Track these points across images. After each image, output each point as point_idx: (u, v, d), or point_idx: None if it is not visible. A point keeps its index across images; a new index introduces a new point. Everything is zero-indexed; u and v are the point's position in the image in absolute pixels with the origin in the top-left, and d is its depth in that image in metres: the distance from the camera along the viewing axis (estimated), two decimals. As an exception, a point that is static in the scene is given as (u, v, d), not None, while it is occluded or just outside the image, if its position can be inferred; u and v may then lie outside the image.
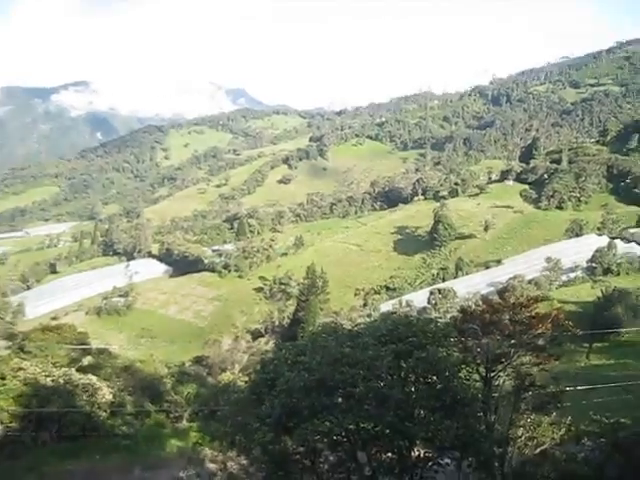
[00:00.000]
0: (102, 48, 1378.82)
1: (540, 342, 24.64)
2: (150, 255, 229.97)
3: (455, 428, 20.83)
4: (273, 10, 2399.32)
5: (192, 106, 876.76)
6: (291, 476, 21.93)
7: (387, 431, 20.87)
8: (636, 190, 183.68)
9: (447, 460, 22.30)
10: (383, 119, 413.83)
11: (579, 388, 43.91)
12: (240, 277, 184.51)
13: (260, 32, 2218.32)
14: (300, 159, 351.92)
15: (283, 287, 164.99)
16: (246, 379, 49.30)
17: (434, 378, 21.82)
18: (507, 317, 24.75)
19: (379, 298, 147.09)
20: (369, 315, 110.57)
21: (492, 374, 24.00)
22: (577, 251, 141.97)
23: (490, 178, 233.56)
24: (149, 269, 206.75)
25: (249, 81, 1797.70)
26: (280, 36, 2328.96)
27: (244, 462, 25.20)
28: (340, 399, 20.92)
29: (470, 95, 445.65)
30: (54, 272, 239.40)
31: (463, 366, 22.86)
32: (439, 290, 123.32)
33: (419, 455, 22.01)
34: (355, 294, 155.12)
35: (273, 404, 20.76)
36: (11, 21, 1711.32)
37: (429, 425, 20.90)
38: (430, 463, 21.82)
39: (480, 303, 27.93)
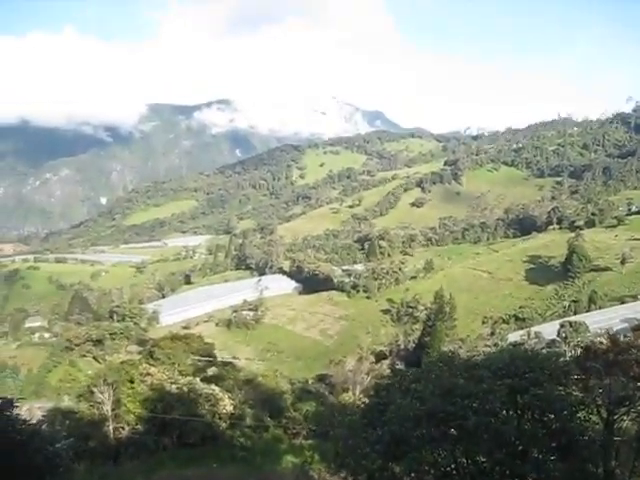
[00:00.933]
0: (244, 68, 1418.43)
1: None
2: (281, 271, 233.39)
3: (570, 471, 20.07)
4: (410, 35, 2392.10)
5: (329, 127, 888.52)
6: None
7: (497, 468, 20.37)
8: None
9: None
10: (520, 145, 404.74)
11: None
12: (368, 298, 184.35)
13: (398, 57, 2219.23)
14: (434, 183, 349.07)
15: (410, 310, 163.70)
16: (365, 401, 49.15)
17: (550, 417, 21.05)
18: (633, 357, 23.63)
19: (507, 328, 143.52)
20: (496, 345, 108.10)
21: (614, 417, 22.92)
22: None
23: (630, 209, 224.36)
24: (279, 285, 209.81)
25: (386, 104, 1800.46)
26: (418, 60, 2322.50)
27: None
28: (451, 431, 20.52)
29: (612, 122, 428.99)
30: (188, 283, 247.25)
31: (582, 407, 21.91)
32: (570, 323, 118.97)
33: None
34: (483, 322, 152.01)
35: (383, 430, 20.61)
36: (158, 42, 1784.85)
37: (542, 466, 20.22)
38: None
39: (605, 341, 26.68)
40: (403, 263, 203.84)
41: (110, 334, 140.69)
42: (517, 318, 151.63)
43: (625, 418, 23.04)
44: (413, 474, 20.94)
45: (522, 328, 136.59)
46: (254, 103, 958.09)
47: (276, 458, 44.81)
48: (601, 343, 26.21)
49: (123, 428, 44.74)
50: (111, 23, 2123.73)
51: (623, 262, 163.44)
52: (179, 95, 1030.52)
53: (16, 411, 15.92)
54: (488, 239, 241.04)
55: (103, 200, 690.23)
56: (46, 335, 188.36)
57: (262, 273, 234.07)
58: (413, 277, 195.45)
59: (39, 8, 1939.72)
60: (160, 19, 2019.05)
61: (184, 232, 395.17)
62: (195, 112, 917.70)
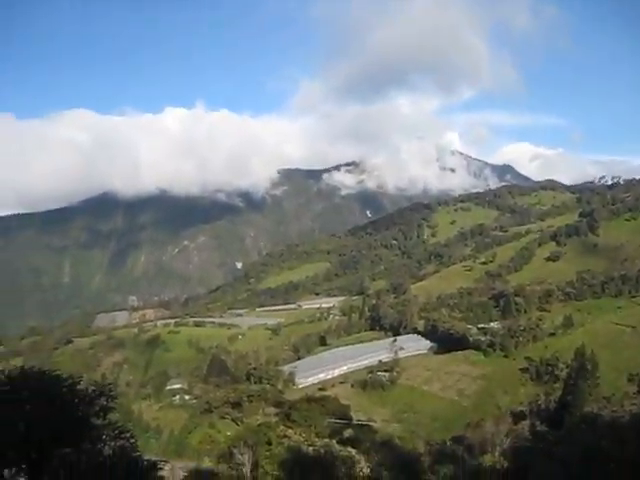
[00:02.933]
0: (370, 130, 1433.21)
1: None
2: (415, 331, 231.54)
3: None
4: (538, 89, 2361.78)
5: (458, 183, 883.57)
6: None
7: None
8: None
9: None
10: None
11: None
12: (505, 356, 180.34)
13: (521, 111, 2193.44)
14: (569, 235, 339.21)
15: (550, 369, 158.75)
16: (505, 463, 47.83)
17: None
18: None
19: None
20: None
21: None
22: None
23: None
24: (414, 345, 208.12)
25: (515, 158, 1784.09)
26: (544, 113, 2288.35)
27: None
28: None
29: None
30: (323, 344, 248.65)
31: None
32: None
33: None
34: (628, 379, 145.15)
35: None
36: (285, 111, 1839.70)
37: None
38: None
39: None
40: (540, 320, 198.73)
41: (248, 396, 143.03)
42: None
43: None
44: None
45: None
46: (382, 164, 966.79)
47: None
48: None
49: (261, 490, 45.21)
50: (239, 96, 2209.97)
51: None
52: (308, 160, 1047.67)
53: (159, 473, 16.53)
54: (630, 292, 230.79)
55: (238, 265, 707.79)
56: (186, 397, 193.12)
57: (396, 333, 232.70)
58: (552, 334, 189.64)
59: (173, 86, 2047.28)
60: (286, 89, 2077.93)
61: (317, 294, 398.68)
62: (324, 175, 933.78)
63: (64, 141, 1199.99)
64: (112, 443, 16.50)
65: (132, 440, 16.63)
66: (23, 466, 16.24)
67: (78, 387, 16.44)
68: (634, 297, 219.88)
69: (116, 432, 16.51)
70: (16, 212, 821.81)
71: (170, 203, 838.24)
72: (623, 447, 20.02)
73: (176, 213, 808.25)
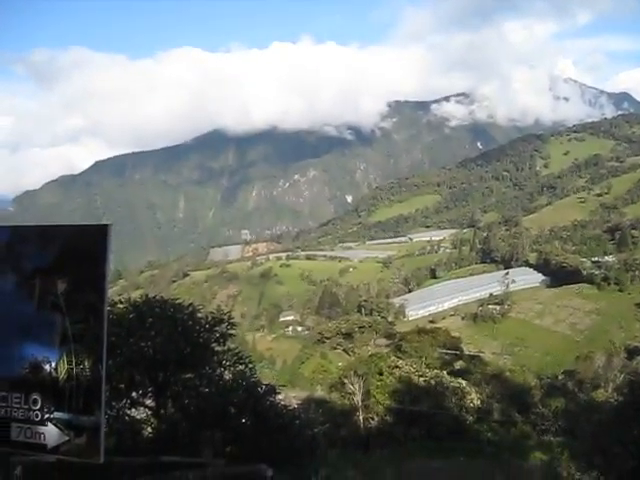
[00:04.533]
0: (479, 60, 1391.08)
1: None
2: (527, 264, 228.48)
3: None
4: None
5: (572, 113, 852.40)
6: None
7: None
8: None
9: None
10: None
11: None
12: (620, 291, 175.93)
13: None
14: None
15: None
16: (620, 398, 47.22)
17: None
18: None
19: None
20: None
21: None
22: None
23: None
24: (525, 278, 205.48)
25: (634, 84, 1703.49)
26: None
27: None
28: None
29: None
30: (434, 277, 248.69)
31: None
32: None
33: None
34: None
35: (638, 430, 19.94)
36: (391, 43, 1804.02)
37: None
38: None
39: None
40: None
41: (359, 327, 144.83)
42: None
43: None
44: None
45: None
46: (492, 94, 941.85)
47: (524, 454, 44.24)
48: None
49: (372, 418, 46.26)
50: (345, 28, 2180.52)
51: None
52: (417, 91, 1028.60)
53: (277, 397, 17.34)
54: None
55: (349, 198, 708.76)
56: (299, 328, 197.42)
57: (507, 266, 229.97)
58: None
59: (279, 21, 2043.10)
60: (392, 20, 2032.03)
61: (428, 227, 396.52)
62: (433, 106, 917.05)
63: (174, 79, 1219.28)
64: (232, 368, 17.29)
65: (250, 366, 17.39)
66: (150, 389, 17.26)
67: (198, 315, 17.25)
68: None
69: (235, 358, 17.29)
70: (131, 151, 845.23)
71: (280, 138, 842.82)
72: None
73: (286, 148, 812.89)
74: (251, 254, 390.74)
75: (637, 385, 24.53)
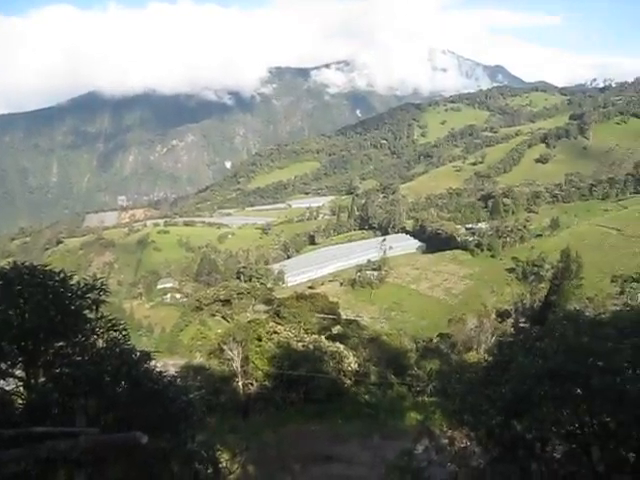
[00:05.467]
0: (361, 27, 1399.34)
1: None
2: (404, 231, 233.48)
3: None
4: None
5: (449, 83, 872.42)
6: (518, 462, 21.76)
7: (622, 429, 20.10)
8: None
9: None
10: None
11: None
12: (493, 257, 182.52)
13: (516, 11, 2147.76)
14: (559, 138, 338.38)
15: (536, 269, 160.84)
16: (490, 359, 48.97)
17: (681, 377, 20.49)
18: None
19: (637, 287, 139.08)
20: (625, 304, 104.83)
21: None
22: None
23: None
24: (402, 244, 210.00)
25: (508, 58, 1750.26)
26: (538, 14, 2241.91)
27: (470, 442, 25.36)
28: (573, 390, 20.38)
29: None
30: (313, 243, 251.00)
31: None
32: None
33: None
34: (612, 281, 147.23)
35: (504, 388, 20.69)
36: (275, 7, 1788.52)
37: (673, 428, 19.80)
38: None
39: None
40: (528, 221, 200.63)
41: (238, 294, 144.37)
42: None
43: None
44: (535, 431, 20.97)
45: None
46: (372, 63, 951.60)
47: (400, 415, 45.40)
48: None
49: (252, 384, 46.34)
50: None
51: None
52: (298, 58, 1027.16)
53: (153, 364, 17.01)
54: (617, 195, 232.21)
55: (228, 164, 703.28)
56: (177, 296, 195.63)
57: (385, 233, 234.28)
58: (538, 235, 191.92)
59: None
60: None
61: (307, 194, 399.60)
62: (313, 72, 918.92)
63: (47, 38, 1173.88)
64: (105, 335, 16.84)
65: (124, 332, 16.97)
66: (20, 359, 16.60)
67: (70, 282, 16.67)
68: (621, 200, 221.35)
69: (109, 325, 16.82)
70: (2, 113, 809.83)
71: (158, 102, 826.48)
72: (602, 342, 20.54)
73: (164, 112, 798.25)
74: (128, 220, 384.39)
75: (505, 345, 25.46)
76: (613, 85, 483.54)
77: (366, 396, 48.33)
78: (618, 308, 61.71)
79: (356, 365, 50.82)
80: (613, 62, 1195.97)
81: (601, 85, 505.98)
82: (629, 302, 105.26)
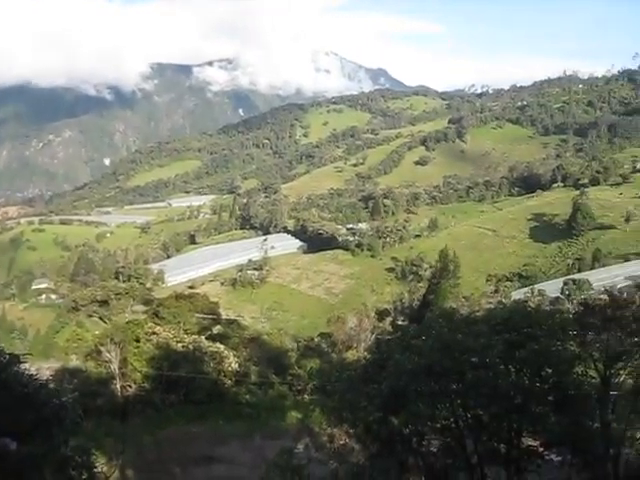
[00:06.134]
0: (245, 26, 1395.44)
1: (665, 343, 23.60)
2: (285, 230, 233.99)
3: (566, 425, 20.51)
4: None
5: (332, 85, 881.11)
6: (396, 457, 22.21)
7: (495, 421, 20.86)
8: None
9: (553, 457, 22.01)
10: (525, 102, 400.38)
11: None
12: (373, 256, 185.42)
13: (400, 15, 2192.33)
14: (438, 141, 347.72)
15: (415, 269, 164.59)
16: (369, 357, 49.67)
17: (547, 371, 21.44)
18: (630, 314, 23.88)
19: (511, 285, 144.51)
20: (499, 302, 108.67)
21: (611, 372, 23.25)
22: None
23: (635, 167, 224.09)
24: (284, 244, 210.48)
25: (390, 62, 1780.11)
26: (421, 18, 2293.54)
27: (350, 439, 25.72)
28: (448, 385, 20.97)
29: (618, 80, 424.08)
30: (193, 242, 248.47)
31: (579, 361, 22.26)
32: (574, 281, 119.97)
33: (527, 447, 21.83)
34: (487, 280, 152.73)
35: (382, 385, 21.05)
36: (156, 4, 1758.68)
37: (539, 419, 20.68)
38: (537, 457, 21.60)
39: (604, 297, 26.96)
40: (407, 222, 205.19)
41: (115, 294, 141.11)
42: (521, 276, 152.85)
43: (622, 373, 23.34)
44: (411, 426, 21.48)
45: (526, 286, 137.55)
46: (256, 61, 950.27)
47: (281, 414, 45.70)
48: (600, 299, 26.47)
49: (130, 386, 45.51)
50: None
51: (627, 220, 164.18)
52: (181, 54, 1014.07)
53: (24, 367, 16.39)
54: (492, 197, 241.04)
55: (106, 161, 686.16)
56: (53, 296, 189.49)
57: (267, 232, 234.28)
58: (417, 235, 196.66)
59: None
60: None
61: (188, 192, 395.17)
62: (196, 69, 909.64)
63: None
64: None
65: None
66: None
67: None
68: (496, 202, 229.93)
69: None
70: None
71: (33, 95, 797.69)
72: (476, 339, 21.14)
73: (40, 106, 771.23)
74: (0, 218, 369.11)
75: (383, 343, 25.93)
76: (490, 91, 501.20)
77: (247, 396, 48.40)
78: (492, 306, 64.02)
79: (237, 365, 50.79)
80: (493, 68, 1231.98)
81: (479, 91, 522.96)
82: (503, 300, 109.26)
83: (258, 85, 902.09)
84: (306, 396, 50.78)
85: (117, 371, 44.52)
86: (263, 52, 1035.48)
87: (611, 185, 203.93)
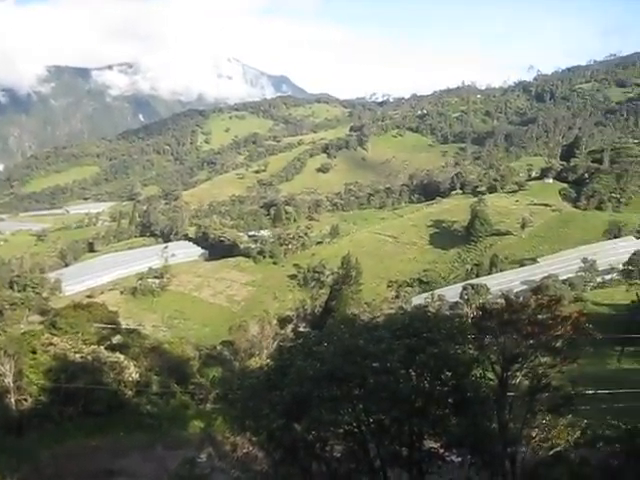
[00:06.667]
0: (147, 30, 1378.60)
1: (557, 344, 24.43)
2: (186, 238, 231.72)
3: (465, 426, 20.96)
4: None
5: (235, 91, 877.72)
6: (299, 463, 22.24)
7: (396, 425, 21.14)
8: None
9: (453, 457, 22.45)
10: (425, 111, 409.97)
11: (604, 392, 43.50)
12: (275, 263, 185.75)
13: (304, 21, 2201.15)
14: (340, 148, 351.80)
15: (317, 275, 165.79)
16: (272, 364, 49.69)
17: (447, 374, 21.88)
18: (525, 317, 24.60)
19: (412, 291, 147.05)
20: (400, 308, 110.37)
21: (508, 373, 23.90)
22: (614, 253, 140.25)
23: (530, 175, 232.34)
24: (185, 252, 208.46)
25: (293, 69, 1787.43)
26: (325, 25, 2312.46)
27: (253, 447, 25.67)
28: (351, 390, 21.13)
29: (514, 91, 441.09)
30: (92, 251, 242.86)
31: (477, 364, 22.81)
32: (472, 286, 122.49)
33: (429, 449, 22.20)
34: (388, 286, 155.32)
35: (284, 391, 21.04)
36: (56, 3, 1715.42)
37: (439, 422, 21.10)
38: (438, 459, 21.99)
39: (500, 301, 27.77)
40: (309, 228, 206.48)
41: (10, 304, 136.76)
42: (421, 281, 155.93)
43: (518, 374, 24.00)
44: (314, 432, 21.53)
45: (426, 291, 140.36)
46: (157, 66, 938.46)
47: (183, 424, 45.24)
48: (497, 304, 27.19)
49: (26, 400, 44.09)
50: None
51: (523, 226, 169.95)
52: (79, 57, 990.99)
53: None
54: (393, 204, 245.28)
55: (0, 167, 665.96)
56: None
57: (167, 240, 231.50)
58: (319, 242, 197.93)
59: None
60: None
61: (86, 199, 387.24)
62: (95, 73, 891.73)
63: None
64: None
65: None
66: None
67: None
68: (396, 209, 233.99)
69: None
70: None
71: None
72: (377, 344, 21.37)
73: None
74: None
75: (285, 350, 25.99)
76: (391, 100, 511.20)
77: (148, 406, 47.73)
78: (393, 312, 64.99)
79: (137, 375, 49.99)
80: (392, 77, 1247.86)
81: (380, 99, 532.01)
82: (403, 306, 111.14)
83: (159, 90, 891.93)
84: (208, 405, 50.50)
85: (12, 384, 43.03)
86: (165, 57, 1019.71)
87: (507, 192, 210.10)
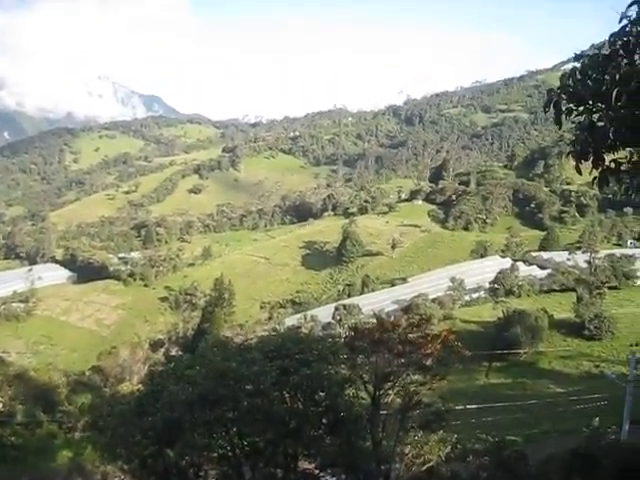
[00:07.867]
0: (14, 45, 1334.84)
1: (428, 362, 24.93)
2: (54, 260, 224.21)
3: (339, 445, 21.01)
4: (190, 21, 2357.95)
5: (105, 109, 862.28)
6: (173, 491, 21.77)
7: (270, 447, 20.98)
8: (540, 215, 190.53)
9: (328, 478, 22.50)
10: (297, 133, 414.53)
11: (473, 407, 44.76)
12: (146, 286, 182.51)
13: (177, 42, 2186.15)
14: (212, 169, 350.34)
15: (189, 298, 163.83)
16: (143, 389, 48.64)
17: (320, 395, 21.91)
18: (396, 336, 24.97)
19: (285, 312, 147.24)
20: (273, 329, 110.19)
21: (380, 392, 24.19)
22: (481, 272, 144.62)
23: (400, 197, 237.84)
24: (52, 274, 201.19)
25: (164, 88, 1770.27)
26: (198, 45, 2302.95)
27: (125, 475, 24.93)
28: (224, 414, 20.82)
29: (384, 114, 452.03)
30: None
31: (349, 384, 22.97)
32: (344, 306, 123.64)
33: (304, 470, 22.15)
34: (261, 307, 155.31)
35: (156, 417, 20.52)
36: None
37: (313, 442, 21.07)
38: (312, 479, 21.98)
39: (372, 321, 28.20)
40: (181, 250, 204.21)
41: None
42: (294, 302, 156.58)
43: (390, 392, 24.36)
44: (188, 458, 21.11)
45: (299, 312, 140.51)
46: (24, 82, 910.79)
47: (51, 454, 43.63)
48: (368, 323, 27.54)
49: None
50: None
51: (394, 247, 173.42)
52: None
53: None
54: (266, 225, 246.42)
55: None
56: None
57: (33, 262, 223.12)
58: (191, 264, 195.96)
59: None
60: None
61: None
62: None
63: None
64: None
65: None
66: None
67: None
68: (269, 230, 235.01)
69: None
70: None
71: None
72: (250, 366, 21.23)
73: None
74: None
75: (157, 374, 25.40)
76: (264, 121, 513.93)
77: (12, 438, 45.57)
78: (266, 333, 64.88)
79: (0, 405, 47.75)
80: (264, 99, 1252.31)
81: (253, 121, 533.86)
82: (276, 327, 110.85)
83: (26, 107, 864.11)
84: (77, 433, 48.82)
85: None
86: (33, 72, 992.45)
87: (378, 214, 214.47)
